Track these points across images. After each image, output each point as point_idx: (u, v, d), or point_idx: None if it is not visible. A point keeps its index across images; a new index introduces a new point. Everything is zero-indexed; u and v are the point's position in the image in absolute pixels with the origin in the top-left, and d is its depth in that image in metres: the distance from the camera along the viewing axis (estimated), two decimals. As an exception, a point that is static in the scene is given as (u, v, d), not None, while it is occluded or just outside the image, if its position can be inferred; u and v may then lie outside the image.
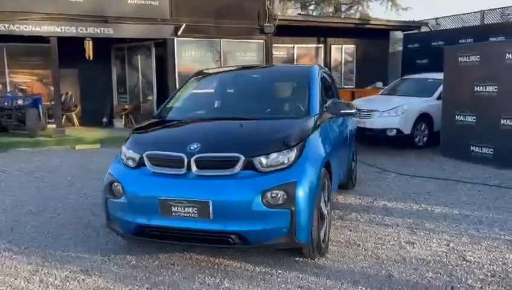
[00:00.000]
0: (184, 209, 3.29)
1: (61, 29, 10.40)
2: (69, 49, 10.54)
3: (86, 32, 10.65)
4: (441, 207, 5.13)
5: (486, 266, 3.49)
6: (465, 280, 3.27)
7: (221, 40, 11.87)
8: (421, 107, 9.43)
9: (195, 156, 3.35)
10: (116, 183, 3.59)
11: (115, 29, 10.86)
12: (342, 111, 4.30)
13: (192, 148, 3.42)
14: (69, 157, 8.85)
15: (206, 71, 5.34)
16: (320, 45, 14.25)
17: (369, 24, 14.40)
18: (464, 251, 3.82)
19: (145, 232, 3.49)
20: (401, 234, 4.26)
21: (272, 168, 3.31)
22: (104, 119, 12.80)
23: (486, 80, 7.60)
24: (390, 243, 4.02)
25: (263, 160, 3.31)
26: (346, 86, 14.61)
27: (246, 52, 12.28)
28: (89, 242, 4.20)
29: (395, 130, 9.22)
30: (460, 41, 12.46)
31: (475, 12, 14.79)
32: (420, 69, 12.75)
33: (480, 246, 3.92)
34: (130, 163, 3.66)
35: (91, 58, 10.92)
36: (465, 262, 3.57)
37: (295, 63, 13.83)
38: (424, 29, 15.31)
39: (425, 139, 9.56)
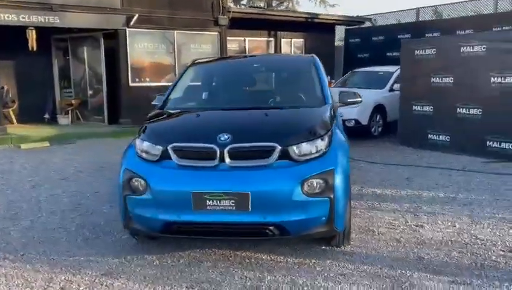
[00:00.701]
0: (220, 203, 3.15)
1: (1, 16, 9.48)
2: (3, 39, 9.63)
3: (29, 21, 9.81)
4: (426, 191, 5.39)
5: (499, 243, 3.72)
6: (488, 256, 3.46)
7: (175, 31, 11.53)
8: (376, 99, 9.83)
9: (228, 147, 3.22)
10: (136, 179, 3.36)
11: (60, 17, 10.11)
12: (349, 100, 4.36)
13: (222, 138, 3.28)
14: (17, 158, 8.11)
15: (203, 60, 5.16)
16: (270, 39, 14.34)
17: (318, 18, 14.73)
18: (472, 230, 4.05)
19: (174, 229, 3.30)
20: (406, 218, 4.43)
21: (306, 157, 3.27)
22: (46, 116, 11.90)
23: (442, 72, 8.10)
24: (401, 227, 4.16)
25: (298, 149, 3.27)
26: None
27: (200, 44, 12.04)
28: (93, 244, 3.90)
29: (353, 121, 9.53)
30: (398, 36, 13.13)
31: (411, 9, 15.68)
32: (361, 62, 13.30)
33: (482, 225, 4.17)
34: (150, 157, 3.44)
35: (34, 50, 10.08)
36: (478, 240, 3.79)
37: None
38: (367, 24, 15.96)
39: (380, 129, 10.01)
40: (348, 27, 15.93)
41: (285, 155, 3.24)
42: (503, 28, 10.75)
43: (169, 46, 11.66)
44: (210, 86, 4.73)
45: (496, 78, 7.38)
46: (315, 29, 14.76)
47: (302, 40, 15.05)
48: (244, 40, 13.77)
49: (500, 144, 7.28)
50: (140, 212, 3.37)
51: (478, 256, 3.48)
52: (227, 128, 3.43)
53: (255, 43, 14.11)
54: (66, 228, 4.32)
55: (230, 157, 3.23)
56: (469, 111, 7.70)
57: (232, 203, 3.14)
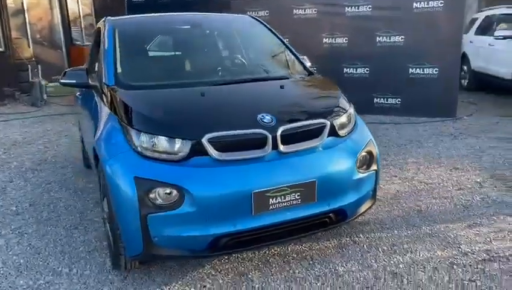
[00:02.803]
0: (285, 198, 2.61)
1: None
2: None
3: None
4: (420, 143, 5.66)
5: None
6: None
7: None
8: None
9: (280, 130, 2.64)
10: (163, 190, 2.44)
11: None
12: None
13: (266, 120, 2.67)
14: None
15: (125, 21, 3.93)
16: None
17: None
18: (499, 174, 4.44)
19: (225, 244, 2.58)
20: (435, 167, 4.70)
21: (347, 131, 2.99)
22: None
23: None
24: (441, 178, 4.38)
25: (341, 123, 2.94)
26: (88, 43, 13.03)
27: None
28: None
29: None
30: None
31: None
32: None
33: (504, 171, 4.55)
34: (170, 156, 2.54)
35: None
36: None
37: (28, 13, 11.30)
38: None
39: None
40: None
41: (332, 132, 2.86)
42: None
43: None
44: (165, 55, 3.69)
45: (327, 39, 8.16)
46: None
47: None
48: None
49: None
50: (175, 232, 2.49)
51: None
52: (262, 107, 2.80)
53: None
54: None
55: (283, 142, 2.65)
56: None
57: (298, 196, 2.63)
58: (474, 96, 8.86)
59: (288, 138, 2.67)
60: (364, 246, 3.13)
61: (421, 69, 7.59)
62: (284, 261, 2.96)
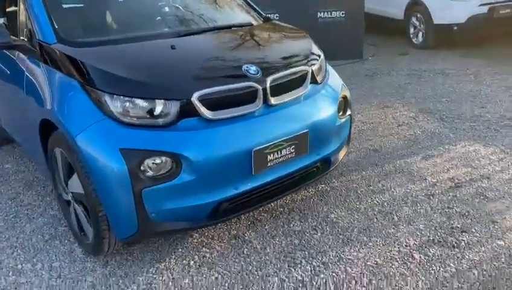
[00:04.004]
0: (281, 153, 2.48)
1: None
2: None
3: None
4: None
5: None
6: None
7: None
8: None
9: (269, 81, 2.46)
10: (159, 159, 2.16)
11: None
12: None
13: (252, 72, 2.46)
14: None
15: None
16: None
17: None
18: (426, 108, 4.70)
19: (226, 209, 2.40)
20: (367, 107, 4.87)
21: (321, 77, 2.91)
22: None
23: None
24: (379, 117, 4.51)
25: (316, 69, 2.85)
26: None
27: None
28: None
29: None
30: None
31: None
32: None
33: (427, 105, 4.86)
34: (156, 120, 2.24)
35: None
36: None
37: None
38: None
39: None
40: None
41: (311, 79, 2.76)
42: None
43: None
44: (106, 5, 3.10)
45: None
46: None
47: None
48: None
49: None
50: (174, 204, 2.24)
51: None
52: (243, 58, 2.57)
53: None
54: None
55: (272, 94, 2.49)
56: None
57: (293, 149, 2.53)
58: (370, 39, 9.37)
59: (276, 89, 2.50)
60: (342, 190, 3.17)
61: (329, 13, 7.73)
62: (273, 217, 2.88)
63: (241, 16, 3.35)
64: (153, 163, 2.16)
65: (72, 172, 2.44)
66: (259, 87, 2.41)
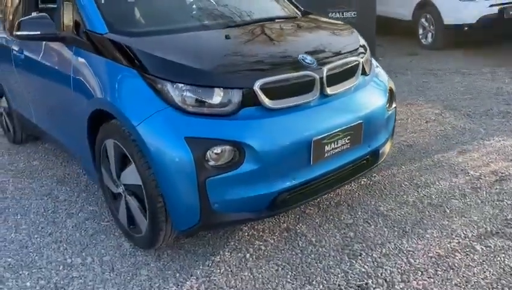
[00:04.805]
0: (337, 144, 2.45)
1: None
2: None
3: None
4: None
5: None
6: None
7: None
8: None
9: (325, 70, 2.43)
10: (221, 148, 2.12)
11: None
12: None
13: (308, 61, 2.43)
14: None
15: None
16: None
17: None
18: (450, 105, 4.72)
19: (284, 200, 2.36)
20: None
21: (369, 69, 2.89)
22: None
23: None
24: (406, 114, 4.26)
25: (365, 60, 2.83)
26: None
27: None
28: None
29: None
30: None
31: None
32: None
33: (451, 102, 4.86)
34: (217, 109, 2.20)
35: None
36: None
37: None
38: None
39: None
40: None
41: (361, 70, 2.74)
42: None
43: None
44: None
45: None
46: None
47: None
48: None
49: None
50: (237, 194, 2.20)
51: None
52: (298, 48, 2.55)
53: None
54: None
55: (327, 84, 2.46)
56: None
57: (348, 139, 2.50)
58: (377, 39, 9.39)
59: (331, 79, 2.47)
60: (386, 184, 3.14)
61: (341, 13, 7.73)
62: (321, 211, 2.84)
63: (284, 9, 3.33)
64: (216, 152, 2.11)
65: (125, 164, 2.39)
66: (317, 77, 2.38)
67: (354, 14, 7.67)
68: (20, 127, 4.11)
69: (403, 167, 3.40)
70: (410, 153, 3.65)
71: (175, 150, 2.09)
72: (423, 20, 8.25)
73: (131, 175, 2.34)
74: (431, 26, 8.07)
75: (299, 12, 3.35)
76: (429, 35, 8.15)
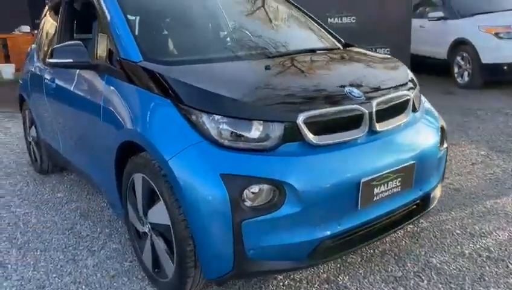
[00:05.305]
0: (387, 186, 2.20)
1: None
2: None
3: None
4: None
5: None
6: None
7: None
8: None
9: (374, 105, 2.21)
10: (260, 188, 1.90)
11: None
12: None
13: (355, 94, 2.22)
14: None
15: None
16: None
17: None
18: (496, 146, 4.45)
19: (330, 247, 2.10)
20: None
21: (418, 104, 2.66)
22: None
23: None
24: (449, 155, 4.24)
25: (415, 95, 2.60)
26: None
27: None
28: None
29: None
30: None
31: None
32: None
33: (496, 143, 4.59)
34: (261, 143, 1.99)
35: None
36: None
37: None
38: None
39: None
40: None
41: (412, 105, 2.51)
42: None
43: None
44: (191, 24, 2.94)
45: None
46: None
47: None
48: None
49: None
50: (275, 240, 1.96)
51: None
52: (343, 80, 2.35)
53: None
54: None
55: (377, 119, 2.23)
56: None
57: (399, 182, 2.25)
58: (412, 77, 9.19)
59: (380, 115, 2.25)
60: (436, 232, 2.84)
61: (374, 50, 7.58)
62: (365, 260, 2.56)
63: (324, 40, 3.17)
64: (253, 191, 1.90)
65: (154, 200, 2.19)
66: (366, 111, 2.17)
67: (387, 51, 7.53)
68: (47, 157, 4.01)
69: (452, 213, 3.09)
70: (459, 197, 3.34)
71: (209, 187, 1.89)
72: (459, 58, 8.03)
73: (160, 213, 2.14)
74: (467, 65, 7.83)
75: (339, 44, 3.18)
76: (465, 74, 7.90)
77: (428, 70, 8.69)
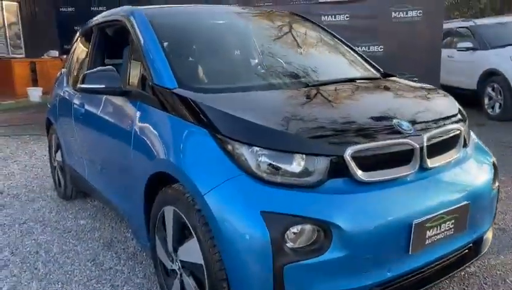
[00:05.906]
0: (440, 229, 2.01)
1: None
2: None
3: None
4: None
5: None
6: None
7: None
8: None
9: (425, 139, 2.04)
10: (302, 228, 1.73)
11: None
12: None
13: (404, 127, 2.06)
14: None
15: (156, 11, 3.04)
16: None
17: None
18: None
19: (379, 296, 1.90)
20: None
21: (469, 139, 2.47)
22: None
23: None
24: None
25: (465, 129, 2.41)
26: (16, 55, 11.47)
27: None
28: None
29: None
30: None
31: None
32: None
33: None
34: (305, 179, 1.83)
35: None
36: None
37: None
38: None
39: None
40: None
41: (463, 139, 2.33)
42: None
43: None
44: (223, 52, 2.87)
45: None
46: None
47: (15, 3, 11.62)
48: None
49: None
50: (321, 287, 1.76)
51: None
52: (391, 112, 2.19)
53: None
54: None
55: (428, 155, 2.06)
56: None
57: (452, 224, 2.05)
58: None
59: (432, 150, 2.08)
60: (486, 278, 2.61)
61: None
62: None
63: (363, 69, 3.03)
64: (294, 231, 1.73)
65: (186, 236, 2.04)
66: (416, 146, 2.00)
67: (415, 80, 7.35)
68: (71, 183, 3.92)
69: (501, 256, 2.86)
70: (506, 239, 3.10)
71: (249, 226, 1.73)
72: (489, 89, 7.82)
73: (192, 251, 1.98)
74: (499, 96, 7.61)
75: (378, 73, 3.04)
76: (497, 105, 7.68)
77: (458, 101, 8.44)
